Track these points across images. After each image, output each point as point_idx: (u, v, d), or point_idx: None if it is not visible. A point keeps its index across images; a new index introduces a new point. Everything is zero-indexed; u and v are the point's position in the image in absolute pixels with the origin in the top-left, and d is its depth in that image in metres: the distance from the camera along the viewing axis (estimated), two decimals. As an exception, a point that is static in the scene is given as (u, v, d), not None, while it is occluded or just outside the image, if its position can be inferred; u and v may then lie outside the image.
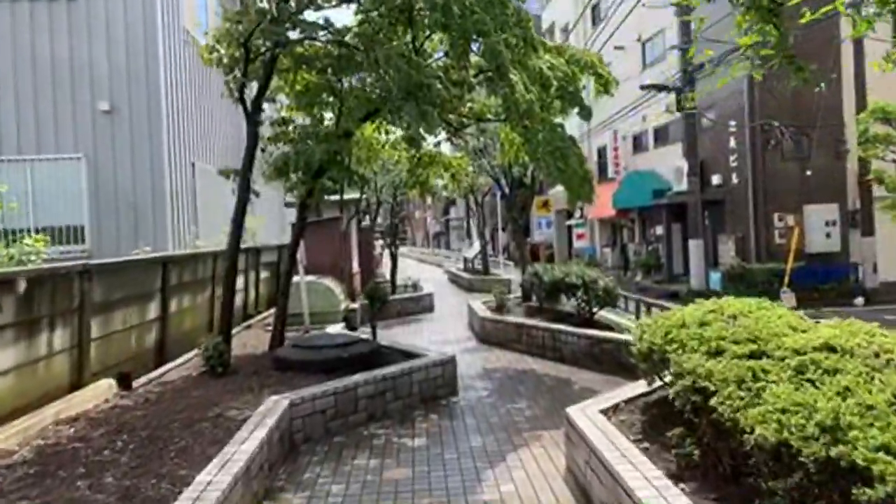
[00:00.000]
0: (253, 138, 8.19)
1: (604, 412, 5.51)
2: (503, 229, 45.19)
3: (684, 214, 22.63)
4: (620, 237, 28.48)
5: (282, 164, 8.92)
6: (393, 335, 12.66)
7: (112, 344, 7.48)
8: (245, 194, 8.14)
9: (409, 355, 8.39)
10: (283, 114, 9.61)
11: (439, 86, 6.97)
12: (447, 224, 63.62)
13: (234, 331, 11.51)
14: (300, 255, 10.94)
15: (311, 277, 12.01)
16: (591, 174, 8.76)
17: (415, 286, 16.64)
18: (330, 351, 7.75)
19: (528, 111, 7.35)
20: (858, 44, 18.37)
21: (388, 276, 18.22)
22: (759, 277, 17.86)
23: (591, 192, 8.95)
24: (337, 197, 15.39)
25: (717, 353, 4.49)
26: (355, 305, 13.83)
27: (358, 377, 6.98)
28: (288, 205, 16.12)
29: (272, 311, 12.18)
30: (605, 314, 10.69)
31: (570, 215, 34.30)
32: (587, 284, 10.09)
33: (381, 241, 52.58)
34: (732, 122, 19.63)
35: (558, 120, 9.25)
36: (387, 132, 10.41)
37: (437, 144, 10.88)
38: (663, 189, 22.94)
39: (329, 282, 12.10)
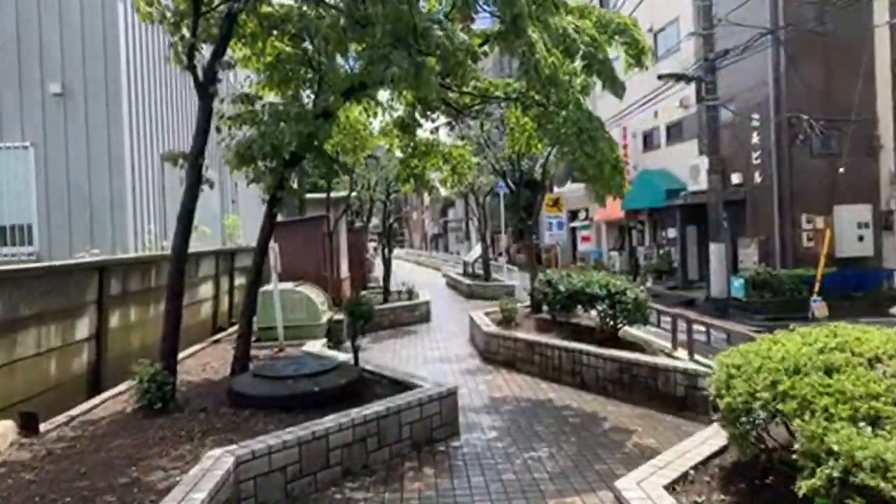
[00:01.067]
0: (205, 114, 6.54)
1: (670, 487, 3.85)
2: (503, 231, 43.59)
3: (701, 216, 21.02)
4: (629, 240, 26.84)
5: (244, 149, 7.27)
6: (383, 351, 11.00)
7: (16, 374, 5.81)
8: (195, 183, 6.48)
9: (399, 385, 6.74)
10: (251, 90, 7.97)
11: (439, 32, 5.30)
12: (445, 226, 61.98)
13: (200, 347, 9.85)
14: (272, 259, 9.27)
15: (287, 285, 10.34)
16: (624, 163, 7.11)
17: (410, 293, 14.99)
18: (298, 383, 6.08)
19: (551, 78, 5.70)
20: (895, 31, 16.80)
21: (382, 282, 16.56)
22: (787, 285, 16.23)
23: (622, 184, 7.32)
24: (323, 194, 13.74)
25: (875, 420, 2.85)
26: (341, 316, 12.16)
27: (331, 420, 5.32)
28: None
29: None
30: (630, 330, 9.03)
31: (573, 216, 32.69)
32: (613, 296, 8.44)
33: (374, 244, 50.95)
34: (755, 116, 18.01)
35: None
36: (375, 114, 8.76)
37: (435, 131, 9.22)
38: (677, 189, 21.34)
39: (310, 290, 10.44)
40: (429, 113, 9.12)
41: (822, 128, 16.82)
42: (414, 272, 35.22)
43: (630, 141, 24.82)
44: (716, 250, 16.63)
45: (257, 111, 7.61)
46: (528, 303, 12.98)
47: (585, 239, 30.99)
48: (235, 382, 6.34)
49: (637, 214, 25.01)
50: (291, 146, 7.03)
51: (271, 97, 8.16)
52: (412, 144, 9.68)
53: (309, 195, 15.71)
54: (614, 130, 25.12)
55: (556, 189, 34.28)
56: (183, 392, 6.65)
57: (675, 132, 22.58)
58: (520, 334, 9.46)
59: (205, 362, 8.63)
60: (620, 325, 8.71)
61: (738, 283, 16.90)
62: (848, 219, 16.91)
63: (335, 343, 10.31)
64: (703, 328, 8.00)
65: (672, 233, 22.78)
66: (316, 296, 10.35)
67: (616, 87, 7.09)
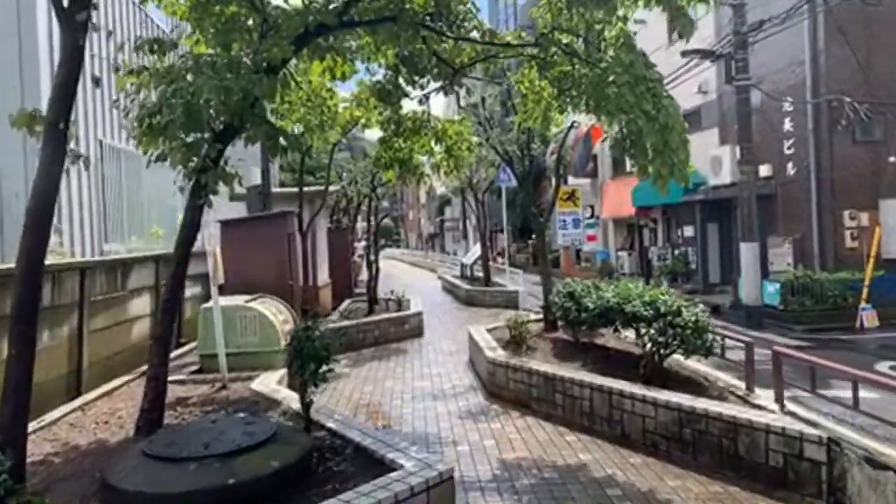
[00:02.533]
0: (72, 55, 4.26)
1: None
2: (503, 230, 41.32)
3: (723, 212, 18.82)
4: (639, 239, 24.59)
5: (147, 113, 5.02)
6: (362, 380, 8.73)
7: None
8: (53, 156, 4.20)
9: (369, 458, 4.50)
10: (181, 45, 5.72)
11: None
12: (442, 225, 59.72)
13: (124, 380, 7.57)
14: (211, 267, 7.00)
15: (238, 300, 8.07)
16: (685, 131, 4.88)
17: (399, 303, 12.71)
18: (205, 470, 3.82)
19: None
20: (950, 1, 14.61)
21: (386, 290, 14.33)
22: (829, 290, 14.02)
23: (687, 160, 5.10)
24: (293, 189, 11.46)
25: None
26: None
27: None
28: (234, 198, 12.18)
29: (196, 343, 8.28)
30: (680, 358, 6.77)
31: (577, 215, 30.46)
32: (664, 316, 6.20)
33: (364, 244, 48.85)
34: (789, 100, 15.79)
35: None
36: (344, 77, 6.50)
37: (425, 100, 6.95)
38: (696, 183, 19.07)
39: (268, 305, 8.17)
40: (416, 78, 6.87)
41: (866, 112, 14.61)
42: (408, 274, 32.94)
43: (641, 132, 22.55)
44: (748, 251, 14.41)
45: (173, 63, 5.36)
46: (538, 315, 10.75)
47: (591, 238, 28.70)
48: (114, 467, 4.07)
49: (649, 211, 22.77)
50: (222, 109, 4.81)
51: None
52: (396, 119, 7.42)
53: (278, 189, 13.47)
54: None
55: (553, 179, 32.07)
56: (42, 476, 4.39)
57: (692, 121, 20.27)
58: (535, 365, 7.20)
59: (116, 408, 6.36)
60: (665, 352, 6.46)
61: (772, 288, 14.68)
62: (897, 215, 14.68)
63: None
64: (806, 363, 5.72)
65: (689, 231, 20.54)
66: (275, 313, 8.09)
67: (684, 21, 4.83)
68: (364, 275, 19.67)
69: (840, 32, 14.22)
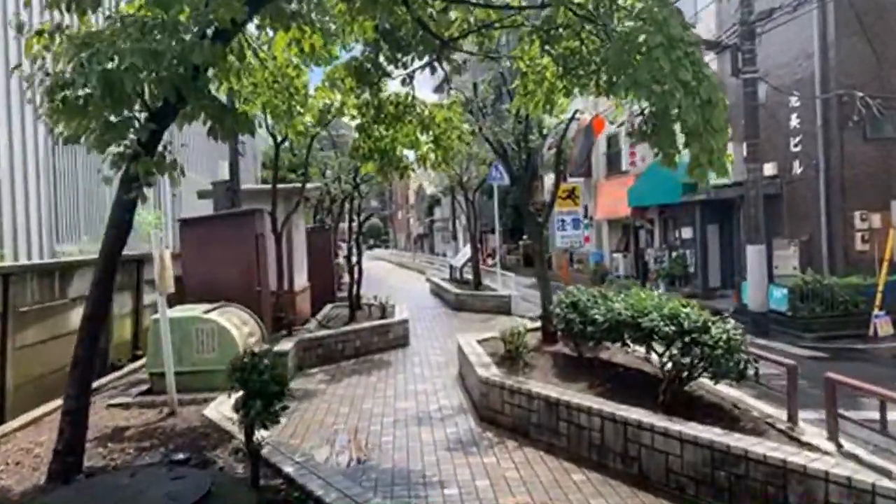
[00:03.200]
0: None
1: None
2: (494, 230, 40.38)
3: (724, 213, 17.96)
4: (635, 241, 23.74)
5: (57, 83, 4.01)
6: (338, 400, 7.70)
7: None
8: None
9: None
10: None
11: None
12: (431, 225, 58.73)
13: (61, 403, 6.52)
14: (157, 273, 5.98)
15: (196, 309, 7.03)
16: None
17: (383, 309, 11.68)
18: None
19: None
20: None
21: (372, 294, 13.31)
22: (840, 296, 13.17)
23: (725, 147, 4.15)
24: (267, 186, 10.42)
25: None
26: (287, 346, 8.88)
27: None
28: (202, 195, 11.13)
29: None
30: (704, 379, 5.82)
31: (570, 215, 29.56)
32: (688, 333, 5.25)
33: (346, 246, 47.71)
34: (795, 94, 14.94)
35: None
36: (313, 51, 5.49)
37: (409, 80, 5.94)
38: (696, 183, 18.20)
39: (229, 316, 7.14)
40: (399, 56, 5.88)
41: (879, 107, 13.79)
42: (395, 276, 31.93)
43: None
44: (754, 253, 13.53)
45: (96, 28, 4.35)
46: (534, 324, 9.80)
47: (584, 240, 27.88)
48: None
49: (645, 212, 21.90)
50: (152, 80, 3.83)
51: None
52: (375, 104, 6.42)
53: (250, 186, 12.41)
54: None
55: (546, 180, 31.09)
56: None
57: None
58: (535, 386, 6.21)
59: (38, 441, 5.31)
60: (694, 377, 5.51)
61: (779, 293, 13.82)
62: (911, 216, 13.83)
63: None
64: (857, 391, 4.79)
65: (688, 233, 19.68)
66: (238, 324, 7.06)
67: None
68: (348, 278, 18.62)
69: (851, 23, 13.39)
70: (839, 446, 4.38)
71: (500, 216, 36.39)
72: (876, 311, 12.75)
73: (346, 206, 14.23)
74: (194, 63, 4.05)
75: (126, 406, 6.35)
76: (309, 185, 11.98)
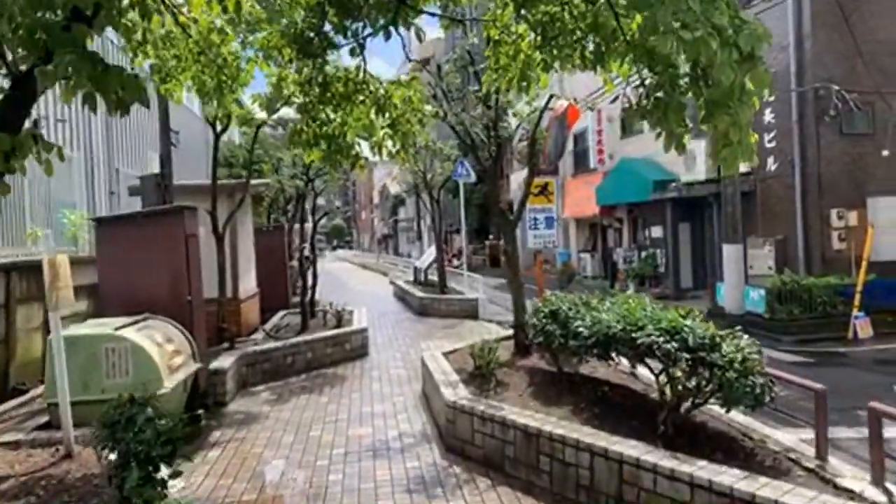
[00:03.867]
0: None
1: None
2: (461, 230, 39.44)
3: (696, 211, 17.38)
4: (603, 240, 23.12)
5: None
6: (282, 425, 6.60)
7: None
8: None
9: None
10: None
11: None
12: (395, 225, 57.58)
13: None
14: (48, 283, 4.83)
15: (107, 325, 5.87)
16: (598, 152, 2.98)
17: (339, 317, 10.57)
18: None
19: None
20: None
21: (332, 299, 12.18)
22: (818, 297, 12.64)
23: (749, 125, 3.28)
24: (206, 182, 9.27)
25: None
26: (227, 363, 7.76)
27: None
28: (133, 192, 9.89)
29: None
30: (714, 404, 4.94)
31: (537, 215, 28.84)
32: (694, 351, 4.36)
33: (304, 247, 46.16)
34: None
35: None
36: (238, 9, 4.43)
37: (359, 50, 4.92)
38: (665, 180, 17.62)
39: (149, 332, 5.99)
40: (348, 24, 4.87)
41: (855, 101, 13.31)
42: (357, 278, 30.76)
43: (605, 126, 21.05)
44: (731, 253, 12.90)
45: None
46: (506, 332, 8.88)
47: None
48: None
49: (614, 211, 21.28)
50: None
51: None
52: (320, 80, 5.39)
53: (186, 182, 11.20)
54: (585, 115, 21.39)
55: (512, 178, 30.34)
56: None
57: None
58: (510, 413, 5.26)
59: None
60: (700, 403, 4.63)
61: (756, 294, 13.22)
62: (889, 213, 13.39)
63: (193, 424, 5.86)
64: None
65: (658, 232, 19.08)
66: (159, 342, 5.93)
67: None
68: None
69: (828, 14, 12.87)
70: (891, 497, 3.52)
71: (465, 215, 35.54)
72: (855, 313, 12.24)
73: (302, 204, 13.10)
74: (66, 4, 2.98)
75: (15, 445, 5.18)
76: (255, 181, 10.84)
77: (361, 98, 5.50)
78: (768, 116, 14.56)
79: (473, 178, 15.53)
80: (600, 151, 21.19)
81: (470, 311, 14.14)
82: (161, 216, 6.87)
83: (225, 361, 7.85)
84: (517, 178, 29.88)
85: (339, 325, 10.33)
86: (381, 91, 5.50)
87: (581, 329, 5.36)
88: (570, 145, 25.12)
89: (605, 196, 20.38)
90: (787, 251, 14.27)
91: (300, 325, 10.34)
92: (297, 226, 14.50)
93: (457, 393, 5.93)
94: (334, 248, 75.87)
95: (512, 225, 7.52)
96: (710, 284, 15.11)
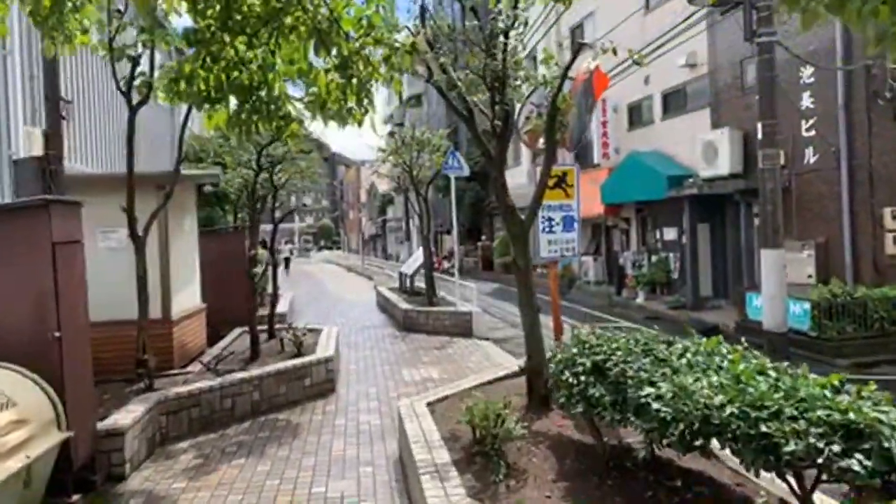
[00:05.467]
0: None
1: None
2: (448, 231, 37.22)
3: (718, 210, 15.30)
4: (608, 242, 21.04)
5: None
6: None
7: None
8: None
9: None
10: None
11: None
12: (384, 225, 55.34)
13: None
14: None
15: None
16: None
17: (299, 343, 8.27)
18: None
19: None
20: None
21: (306, 309, 9.94)
22: (874, 311, 10.60)
23: None
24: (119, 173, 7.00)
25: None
26: (129, 418, 5.53)
27: None
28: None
29: None
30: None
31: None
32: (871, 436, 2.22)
33: (288, 248, 43.60)
34: (807, 69, 12.36)
35: None
36: None
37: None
38: (681, 175, 15.57)
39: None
40: None
41: (914, 82, 11.26)
42: (338, 283, 28.45)
43: (610, 117, 18.95)
44: (772, 259, 10.77)
45: None
46: (506, 363, 6.75)
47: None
48: None
49: (619, 210, 19.19)
50: None
51: None
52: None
53: (89, 171, 8.86)
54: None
55: (507, 173, 28.08)
56: None
57: (675, 101, 16.80)
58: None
59: None
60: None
61: (798, 308, 11.16)
62: (953, 214, 11.35)
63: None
64: None
65: (671, 234, 17.02)
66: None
67: None
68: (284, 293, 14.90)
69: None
70: None
71: (457, 214, 33.35)
72: (924, 332, 10.24)
73: (261, 201, 10.83)
74: None
75: None
76: (198, 172, 8.62)
77: (291, 22, 3.30)
78: (807, 101, 12.50)
79: (467, 171, 13.36)
80: (605, 145, 19.09)
81: (462, 328, 11.97)
82: (10, 215, 4.62)
83: (128, 415, 5.63)
84: (514, 175, 27.74)
85: (298, 354, 8.12)
86: (324, 11, 3.30)
87: (654, 404, 3.19)
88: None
89: (611, 194, 18.28)
90: (831, 256, 12.22)
91: (249, 354, 8.11)
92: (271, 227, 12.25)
93: (448, 493, 3.74)
94: (320, 249, 73.40)
95: (523, 228, 5.36)
96: (738, 294, 13.03)
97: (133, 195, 6.81)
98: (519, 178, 26.60)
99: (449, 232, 39.18)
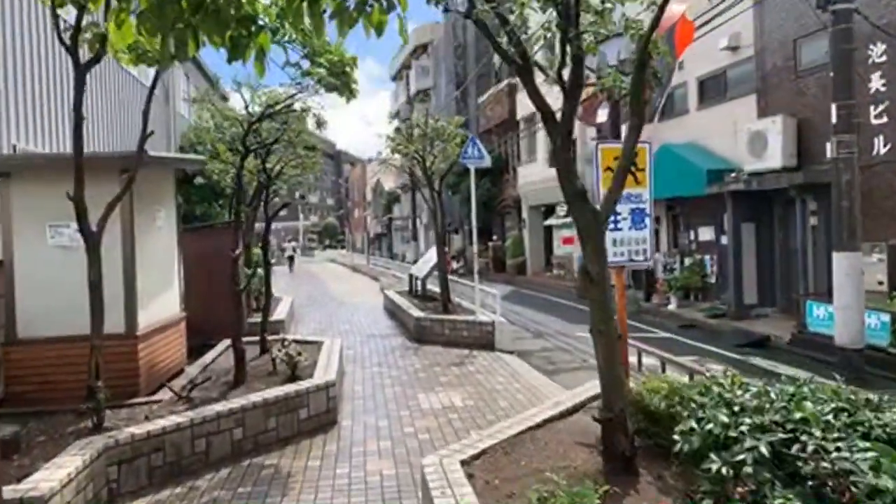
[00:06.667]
0: None
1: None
2: (456, 230, 35.67)
3: (765, 208, 13.74)
4: (633, 243, 19.45)
5: None
6: None
7: None
8: None
9: None
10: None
11: None
12: (390, 224, 53.85)
13: None
14: None
15: None
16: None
17: (293, 365, 6.72)
18: None
19: None
20: None
21: (282, 342, 8.46)
22: (966, 325, 9.05)
23: None
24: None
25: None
26: (55, 478, 4.03)
27: None
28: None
29: None
30: None
31: (549, 212, 25.17)
32: None
33: (292, 246, 42.19)
34: (878, 46, 10.81)
35: None
36: None
37: None
38: (722, 169, 14.02)
39: None
40: None
41: None
42: (343, 284, 26.92)
43: (639, 106, 17.33)
44: (847, 264, 9.22)
45: None
46: (549, 387, 5.25)
47: (567, 241, 23.56)
48: None
49: (648, 208, 17.58)
50: None
51: None
52: None
53: (28, 150, 7.32)
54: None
55: (521, 169, 26.54)
56: None
57: (714, 88, 15.22)
58: None
59: None
60: None
61: (875, 320, 9.61)
62: None
63: None
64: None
65: (707, 233, 15.48)
66: None
67: None
68: (284, 298, 13.39)
69: None
70: None
71: (470, 211, 31.82)
72: None
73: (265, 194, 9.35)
74: None
75: None
76: (177, 155, 7.13)
77: None
78: (877, 83, 10.94)
79: (488, 161, 11.85)
80: (633, 137, 17.50)
81: (483, 339, 10.48)
82: None
83: (57, 471, 4.14)
84: (529, 172, 26.19)
85: (293, 376, 6.62)
86: None
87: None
88: (591, 131, 21.43)
89: (640, 190, 16.69)
90: (905, 261, 10.66)
91: (234, 377, 6.61)
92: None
93: None
94: (325, 248, 71.95)
95: (598, 221, 3.84)
96: (795, 302, 11.48)
97: (82, 179, 5.33)
98: (534, 174, 25.07)
99: (457, 231, 37.69)
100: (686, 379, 5.07)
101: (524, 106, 26.30)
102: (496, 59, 31.80)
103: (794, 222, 12.84)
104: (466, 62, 35.15)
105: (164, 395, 6.31)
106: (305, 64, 6.34)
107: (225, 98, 17.21)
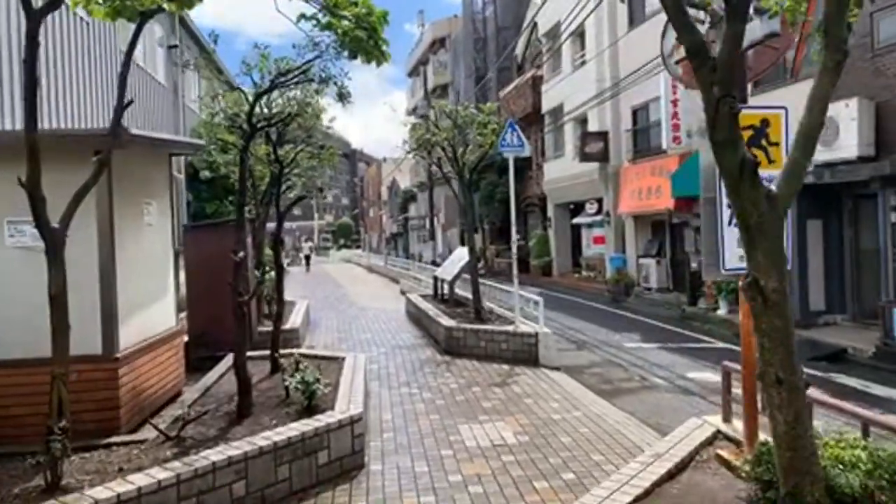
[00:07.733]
0: None
1: None
2: (476, 229, 34.30)
3: (834, 204, 12.28)
4: (672, 243, 18.05)
5: None
6: None
7: None
8: None
9: None
10: None
11: None
12: (406, 223, 52.62)
13: None
14: None
15: None
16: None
17: (310, 393, 5.41)
18: None
19: None
20: None
21: (297, 365, 7.19)
22: None
23: None
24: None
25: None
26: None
27: None
28: None
29: None
30: None
31: (577, 210, 23.77)
32: None
33: (308, 245, 41.17)
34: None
35: None
36: None
37: None
38: (783, 160, 12.54)
39: None
40: None
41: None
42: (362, 285, 25.66)
43: (682, 94, 15.96)
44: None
45: None
46: (608, 416, 3.91)
47: (598, 240, 22.19)
48: None
49: (692, 205, 16.18)
50: None
51: None
52: None
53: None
54: (649, 84, 16.47)
55: (546, 167, 25.09)
56: None
57: (771, 70, 13.74)
58: None
59: None
60: None
61: None
62: None
63: None
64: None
65: (763, 232, 13.97)
66: None
67: None
68: (295, 304, 12.06)
69: None
70: None
71: (486, 213, 30.38)
72: None
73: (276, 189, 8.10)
74: None
75: None
76: (166, 136, 5.90)
77: None
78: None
79: (527, 150, 10.52)
80: (675, 127, 16.13)
81: (525, 354, 9.15)
82: None
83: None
84: (555, 167, 24.77)
85: (310, 407, 5.32)
86: None
87: None
88: (626, 122, 20.03)
89: (685, 185, 15.26)
90: None
91: (238, 409, 5.32)
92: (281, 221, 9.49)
93: None
94: (340, 248, 70.91)
95: (777, 213, 2.52)
96: (880, 309, 10.03)
97: (37, 160, 4.08)
98: (561, 170, 23.67)
99: (476, 230, 36.35)
100: (884, 443, 3.39)
101: (549, 98, 24.95)
102: (518, 50, 30.41)
103: (871, 219, 11.37)
104: (486, 56, 33.84)
105: (151, 432, 5.05)
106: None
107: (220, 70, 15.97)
